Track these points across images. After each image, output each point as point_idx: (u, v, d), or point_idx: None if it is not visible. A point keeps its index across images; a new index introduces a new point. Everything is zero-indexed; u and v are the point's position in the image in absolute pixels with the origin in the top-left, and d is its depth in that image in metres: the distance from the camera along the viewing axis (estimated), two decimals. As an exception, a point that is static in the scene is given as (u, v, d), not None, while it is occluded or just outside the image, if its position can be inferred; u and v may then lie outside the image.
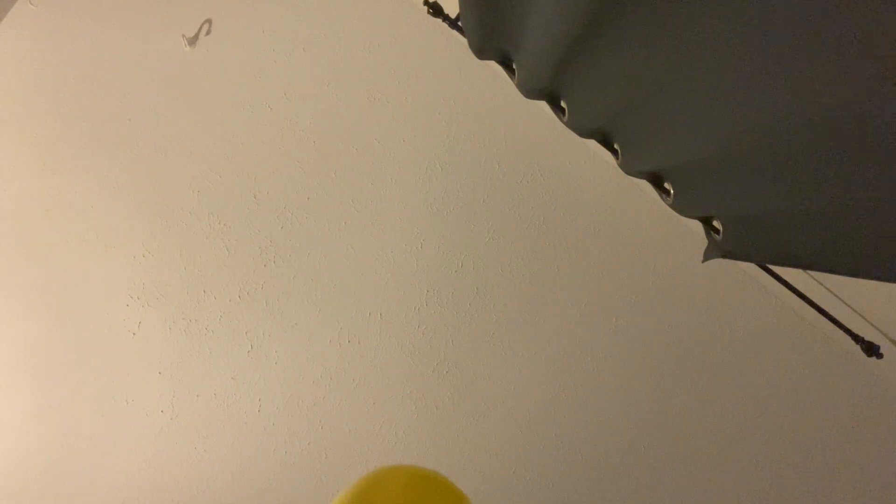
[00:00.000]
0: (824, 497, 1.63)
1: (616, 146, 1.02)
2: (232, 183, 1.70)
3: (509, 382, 1.67)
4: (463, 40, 1.12)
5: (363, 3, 1.74)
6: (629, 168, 1.02)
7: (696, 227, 1.07)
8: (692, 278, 1.67)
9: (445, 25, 1.25)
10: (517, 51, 1.00)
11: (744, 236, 0.89)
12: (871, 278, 0.69)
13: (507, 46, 1.03)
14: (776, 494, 1.64)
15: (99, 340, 1.66)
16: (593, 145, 1.10)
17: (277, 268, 1.68)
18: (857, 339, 1.25)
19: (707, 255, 1.02)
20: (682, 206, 0.98)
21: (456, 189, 1.70)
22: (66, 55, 1.72)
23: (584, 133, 1.05)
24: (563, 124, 1.09)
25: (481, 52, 1.08)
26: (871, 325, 1.52)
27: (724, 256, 0.95)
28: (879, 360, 1.26)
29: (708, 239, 1.03)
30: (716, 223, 0.97)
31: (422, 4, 1.23)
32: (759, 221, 0.80)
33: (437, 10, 1.23)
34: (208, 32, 1.73)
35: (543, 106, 1.12)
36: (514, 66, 1.09)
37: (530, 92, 1.07)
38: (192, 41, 1.72)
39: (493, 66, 1.17)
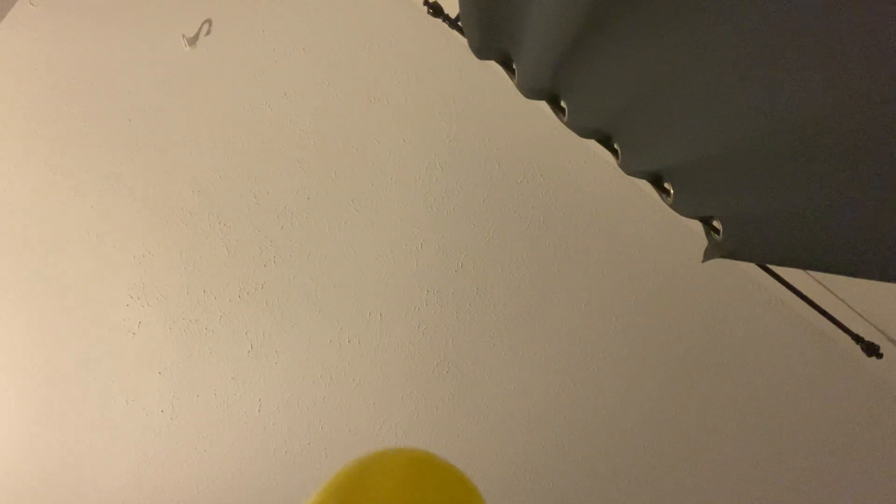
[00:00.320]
0: (824, 497, 1.63)
1: (616, 146, 1.02)
2: (232, 183, 1.70)
3: (509, 382, 1.67)
4: (463, 40, 1.12)
5: (363, 3, 1.74)
6: (629, 168, 1.02)
7: (696, 227, 1.07)
8: (692, 278, 1.67)
9: (445, 25, 1.25)
10: (517, 51, 1.00)
11: (744, 236, 0.89)
12: (871, 278, 0.69)
13: (507, 46, 1.03)
14: (776, 494, 1.64)
15: (99, 340, 1.66)
16: (593, 145, 1.10)
17: (277, 268, 1.68)
18: (857, 339, 1.25)
19: (707, 255, 1.02)
20: (682, 206, 0.98)
21: (456, 189, 1.70)
22: (66, 55, 1.72)
23: (584, 133, 1.05)
24: (563, 124, 1.09)
25: (481, 52, 1.08)
26: (871, 325, 1.53)
27: (724, 256, 0.95)
28: (879, 360, 1.26)
29: (708, 239, 1.03)
30: (716, 223, 0.97)
31: (422, 4, 1.23)
32: (759, 221, 0.80)
33: (437, 10, 1.23)
34: (208, 32, 1.73)
35: (543, 106, 1.12)
36: (514, 66, 1.09)
37: (530, 92, 1.07)
38: (192, 41, 1.72)
39: (493, 66, 1.17)
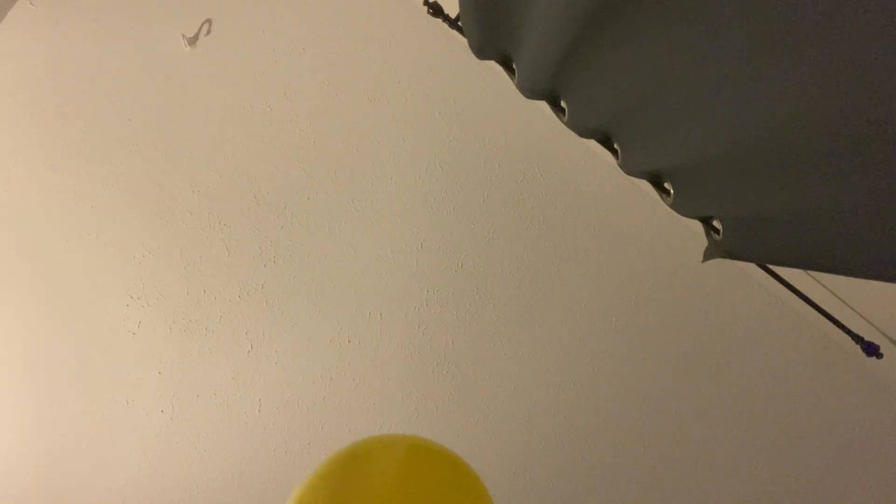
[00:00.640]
0: (824, 497, 1.63)
1: (616, 146, 1.02)
2: (232, 183, 1.70)
3: (509, 382, 1.67)
4: (463, 40, 1.12)
5: (363, 3, 1.74)
6: (629, 168, 1.02)
7: (696, 227, 1.07)
8: (692, 278, 1.67)
9: (445, 25, 1.25)
10: (517, 51, 1.00)
11: (744, 236, 0.89)
12: (871, 278, 0.69)
13: (507, 46, 1.03)
14: (776, 494, 1.64)
15: (99, 340, 1.66)
16: (593, 145, 1.10)
17: (277, 268, 1.68)
18: (857, 339, 1.25)
19: (707, 255, 1.02)
20: (682, 206, 0.98)
21: (456, 189, 1.70)
22: (66, 55, 1.72)
23: (584, 133, 1.05)
24: (563, 124, 1.09)
25: (481, 52, 1.08)
26: (872, 325, 1.53)
27: (724, 256, 0.95)
28: (879, 360, 1.26)
29: (708, 239, 1.03)
30: (716, 223, 0.97)
31: (422, 4, 1.23)
32: (759, 221, 0.80)
33: (437, 10, 1.23)
34: (208, 32, 1.73)
35: (543, 106, 1.12)
36: (514, 66, 1.09)
37: (530, 92, 1.07)
38: (192, 41, 1.72)
39: (493, 66, 1.17)
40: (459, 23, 1.17)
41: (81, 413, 1.65)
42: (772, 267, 1.24)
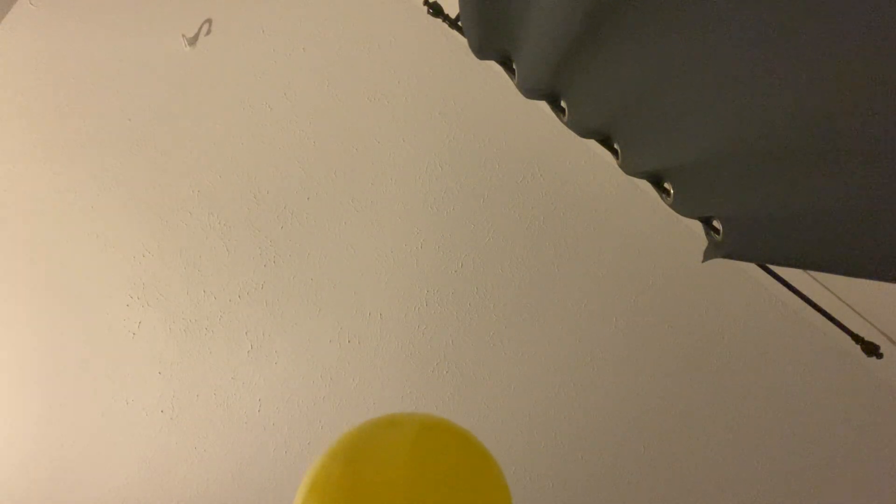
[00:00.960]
0: (824, 497, 1.63)
1: (616, 146, 1.02)
2: (232, 183, 1.70)
3: (509, 382, 1.67)
4: (463, 40, 1.12)
5: (363, 3, 1.74)
6: (629, 168, 1.02)
7: (696, 227, 1.07)
8: (692, 278, 1.67)
9: (445, 25, 1.25)
10: (517, 51, 1.00)
11: (744, 236, 0.89)
12: (871, 278, 0.69)
13: (507, 46, 1.03)
14: (776, 494, 1.64)
15: (99, 340, 1.66)
16: (593, 145, 1.10)
17: (277, 268, 1.68)
18: (857, 339, 1.24)
19: (707, 255, 1.02)
20: (682, 206, 0.98)
21: (456, 189, 1.70)
22: (66, 55, 1.72)
23: (584, 133, 1.05)
24: (563, 124, 1.09)
25: (481, 51, 1.08)
26: (872, 325, 1.53)
27: (724, 256, 0.95)
28: (879, 360, 1.26)
29: (708, 239, 1.03)
30: (716, 223, 0.97)
31: (422, 4, 1.23)
32: (759, 221, 0.80)
33: (437, 10, 1.23)
34: (208, 32, 1.73)
35: (543, 106, 1.12)
36: (514, 66, 1.09)
37: (530, 92, 1.07)
38: (192, 41, 1.72)
39: (493, 66, 1.17)
40: (459, 23, 1.17)
41: (81, 413, 1.65)
42: (772, 267, 1.24)
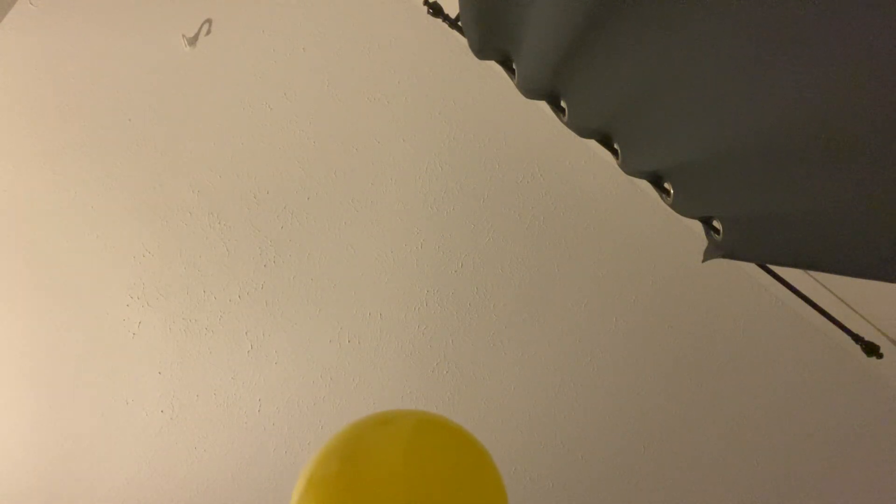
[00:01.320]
0: (824, 497, 1.63)
1: (616, 146, 1.02)
2: (232, 183, 1.70)
3: (509, 382, 1.67)
4: (463, 40, 1.11)
5: (363, 3, 1.74)
6: (629, 168, 1.02)
7: (696, 227, 1.07)
8: (692, 278, 1.67)
9: (445, 25, 1.25)
10: (517, 50, 1.00)
11: (744, 236, 0.89)
12: (871, 278, 0.69)
13: (507, 46, 1.03)
14: (776, 495, 1.64)
15: (99, 340, 1.66)
16: (593, 145, 1.10)
17: (277, 268, 1.68)
18: (857, 339, 1.24)
19: (707, 255, 1.02)
20: (682, 206, 0.98)
21: (456, 189, 1.70)
22: (66, 55, 1.72)
23: (584, 133, 1.05)
24: (563, 124, 1.09)
25: (481, 52, 1.08)
26: (872, 325, 1.53)
27: (724, 256, 0.95)
28: (879, 360, 1.26)
29: (708, 239, 1.03)
30: (716, 223, 0.97)
31: (422, 4, 1.23)
32: (759, 221, 0.80)
33: (437, 10, 1.23)
34: (208, 32, 1.73)
35: (543, 106, 1.12)
36: (514, 66, 1.09)
37: (530, 92, 1.07)
38: (192, 41, 1.72)
39: (493, 66, 1.17)
40: (459, 23, 1.17)
41: (81, 413, 1.65)
42: (772, 267, 1.24)
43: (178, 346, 1.66)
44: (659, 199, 1.04)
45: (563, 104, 1.05)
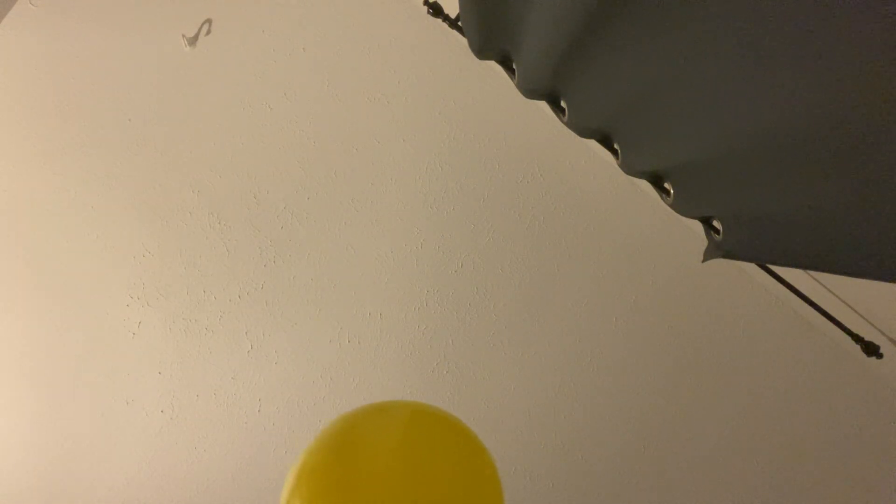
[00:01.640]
0: (824, 497, 1.63)
1: (616, 146, 1.02)
2: (232, 183, 1.70)
3: (509, 382, 1.67)
4: (463, 40, 1.12)
5: (363, 3, 1.74)
6: (629, 168, 1.02)
7: (696, 227, 1.07)
8: (692, 278, 1.67)
9: (445, 25, 1.25)
10: (517, 51, 1.00)
11: (744, 236, 0.89)
12: (871, 278, 0.69)
13: (507, 46, 1.03)
14: (776, 495, 1.64)
15: (99, 340, 1.66)
16: (593, 145, 1.10)
17: (277, 268, 1.68)
18: (857, 339, 1.24)
19: (707, 255, 1.02)
20: (682, 206, 0.98)
21: (456, 189, 1.70)
22: (66, 55, 1.72)
23: (584, 133, 1.05)
24: (563, 124, 1.09)
25: (481, 51, 1.08)
26: (872, 325, 1.52)
27: (724, 256, 0.95)
28: (879, 360, 1.26)
29: (708, 239, 1.03)
30: (716, 223, 0.97)
31: (422, 4, 1.23)
32: (759, 221, 0.80)
33: (437, 10, 1.23)
34: (208, 32, 1.73)
35: (543, 106, 1.12)
36: (514, 66, 1.09)
37: (530, 92, 1.07)
38: (192, 41, 1.72)
39: (493, 66, 1.17)
40: (459, 23, 1.17)
41: (81, 413, 1.65)
42: (772, 267, 1.24)
43: (178, 346, 1.66)
44: (659, 199, 1.04)
45: (563, 104, 1.05)
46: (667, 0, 0.57)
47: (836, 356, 1.63)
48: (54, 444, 1.65)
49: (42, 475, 1.64)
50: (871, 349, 1.23)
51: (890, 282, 0.66)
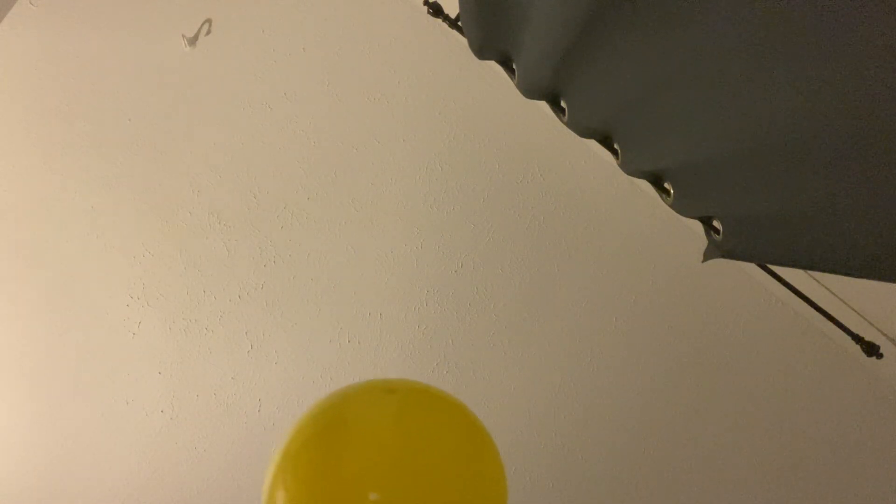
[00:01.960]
0: (824, 497, 1.63)
1: (616, 146, 1.02)
2: (232, 183, 1.70)
3: (509, 382, 1.67)
4: (463, 40, 1.11)
5: (363, 3, 1.74)
6: (629, 168, 1.02)
7: (696, 227, 1.07)
8: (692, 278, 1.67)
9: (445, 25, 1.25)
10: (517, 51, 1.00)
11: (744, 236, 0.89)
12: (871, 278, 0.69)
13: (507, 46, 1.03)
14: (776, 495, 1.64)
15: (99, 340, 1.66)
16: (593, 145, 1.10)
17: (277, 268, 1.68)
18: (857, 339, 1.25)
19: (707, 255, 1.02)
20: (682, 206, 0.98)
21: (456, 189, 1.70)
22: (66, 55, 1.72)
23: (584, 133, 1.05)
24: (563, 124, 1.09)
25: (481, 52, 1.08)
26: (871, 325, 1.53)
27: (724, 256, 0.95)
28: (879, 360, 1.26)
29: (708, 239, 1.03)
30: (716, 223, 0.97)
31: (422, 4, 1.23)
32: (759, 221, 0.80)
33: (437, 10, 1.23)
34: (208, 32, 1.73)
35: (543, 106, 1.12)
36: (514, 66, 1.09)
37: (530, 92, 1.07)
38: (192, 41, 1.72)
39: (493, 66, 1.17)
40: (459, 23, 1.17)
41: (81, 413, 1.65)
42: (772, 267, 1.24)
43: (178, 346, 1.66)
44: (659, 199, 1.04)
45: (563, 104, 1.05)
46: (667, 0, 0.57)
47: (836, 356, 1.63)
48: (54, 444, 1.65)
49: (42, 475, 1.64)
50: (871, 349, 1.24)
51: (890, 282, 0.66)
